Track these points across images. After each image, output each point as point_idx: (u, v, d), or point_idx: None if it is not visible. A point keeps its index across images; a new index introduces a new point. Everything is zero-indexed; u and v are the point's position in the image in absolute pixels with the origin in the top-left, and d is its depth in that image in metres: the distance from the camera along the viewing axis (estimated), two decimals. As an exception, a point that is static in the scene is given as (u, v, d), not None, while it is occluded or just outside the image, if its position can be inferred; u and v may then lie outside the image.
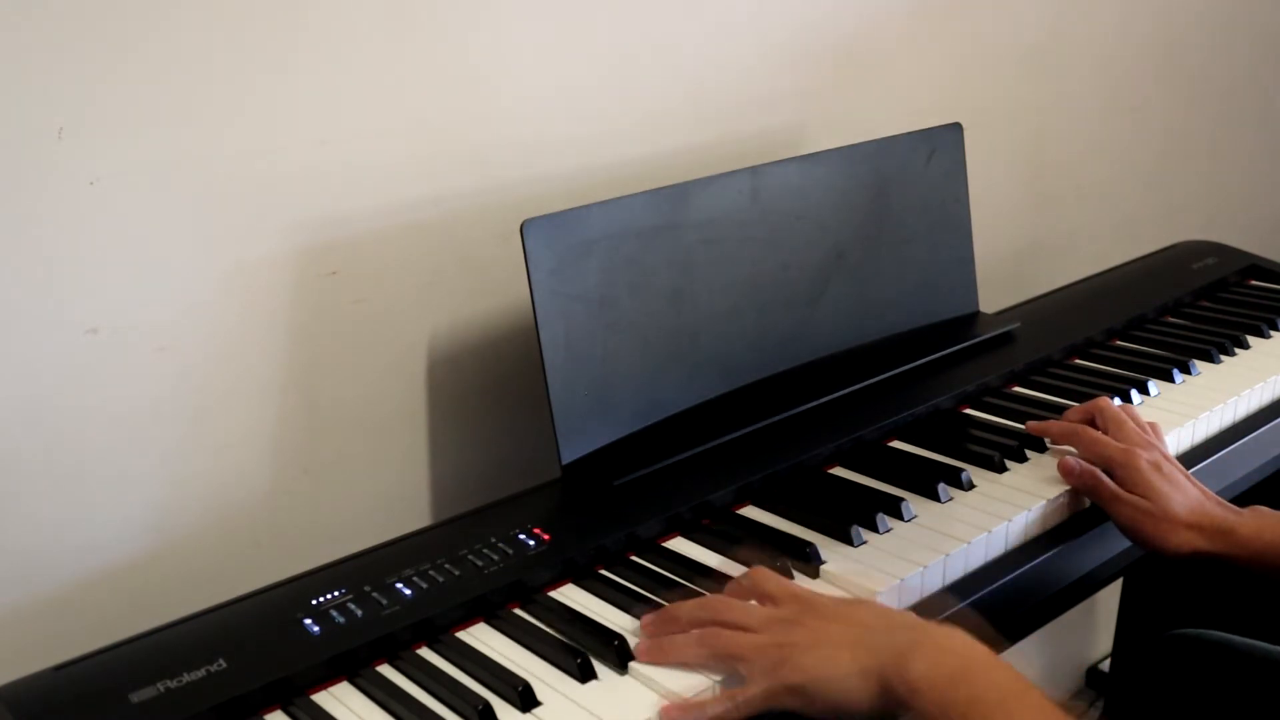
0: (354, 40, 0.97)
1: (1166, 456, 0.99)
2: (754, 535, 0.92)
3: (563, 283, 0.97)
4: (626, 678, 0.77)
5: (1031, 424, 1.06)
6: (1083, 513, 0.99)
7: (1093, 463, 0.98)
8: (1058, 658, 1.91)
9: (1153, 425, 1.03)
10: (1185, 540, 0.93)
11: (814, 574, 0.87)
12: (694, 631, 0.77)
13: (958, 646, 0.72)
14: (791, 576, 0.86)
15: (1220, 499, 0.97)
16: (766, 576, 0.82)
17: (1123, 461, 0.96)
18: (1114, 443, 0.99)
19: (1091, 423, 1.04)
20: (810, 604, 0.79)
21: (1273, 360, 1.25)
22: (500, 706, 0.74)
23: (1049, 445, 1.05)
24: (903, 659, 0.71)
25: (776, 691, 0.73)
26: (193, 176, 0.91)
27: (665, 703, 0.74)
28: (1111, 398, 1.08)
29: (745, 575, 0.83)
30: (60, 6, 0.82)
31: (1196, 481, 0.98)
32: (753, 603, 0.80)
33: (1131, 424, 1.01)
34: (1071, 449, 1.02)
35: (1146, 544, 0.95)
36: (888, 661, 0.72)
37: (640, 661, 0.78)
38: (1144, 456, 0.96)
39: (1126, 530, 0.95)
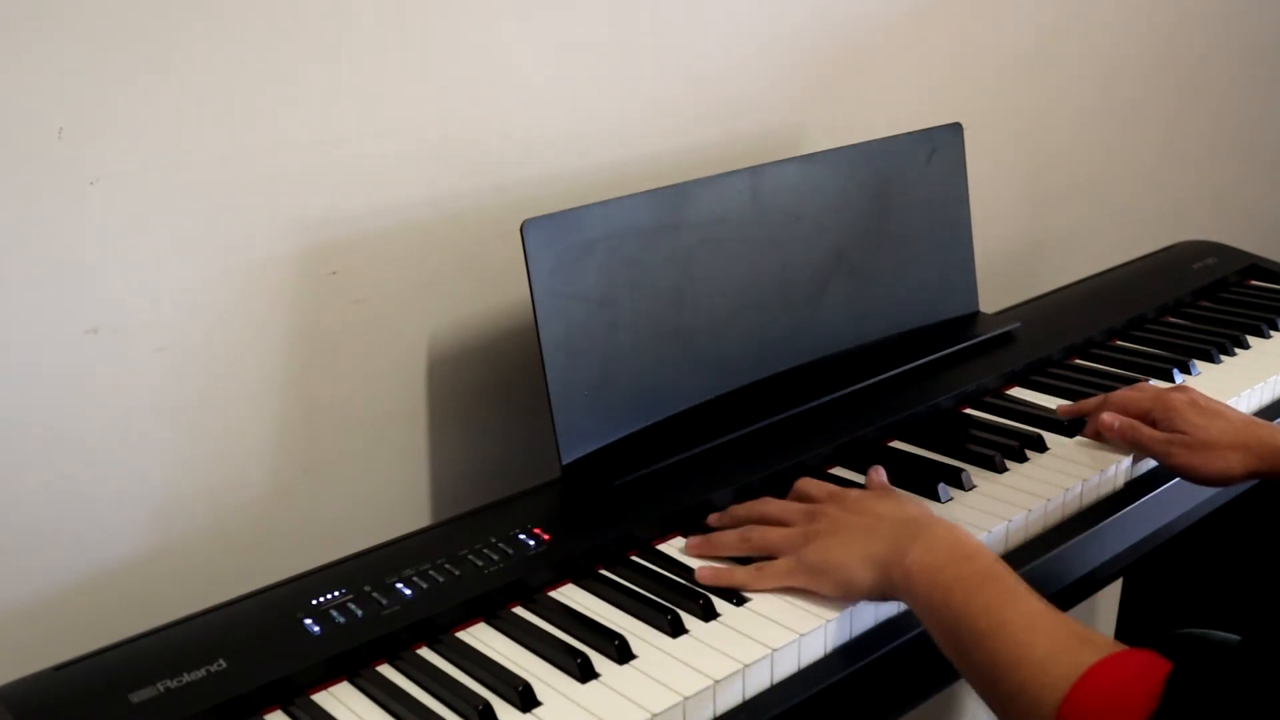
0: (354, 40, 0.97)
1: (1202, 397, 1.01)
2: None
3: (563, 283, 0.97)
4: (626, 676, 0.77)
5: (1062, 409, 1.09)
6: (1083, 513, 0.99)
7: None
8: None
9: (1181, 386, 1.07)
10: (1233, 462, 0.95)
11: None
12: (738, 530, 0.89)
13: (948, 537, 0.80)
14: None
15: (1275, 425, 1.00)
16: (808, 482, 0.94)
17: (1158, 407, 1.00)
18: (1144, 396, 1.03)
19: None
20: (839, 499, 0.89)
21: (1273, 360, 1.25)
22: (500, 706, 0.74)
23: (1048, 448, 1.05)
24: (903, 548, 0.80)
25: (795, 569, 0.84)
26: (192, 176, 0.91)
27: (705, 570, 0.86)
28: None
29: (794, 487, 0.94)
30: (60, 6, 0.82)
31: (1242, 413, 1.01)
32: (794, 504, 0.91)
33: (1154, 383, 1.06)
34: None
35: (1196, 476, 0.97)
36: (891, 550, 0.80)
37: (690, 554, 0.90)
38: (1177, 398, 1.00)
39: (1176, 469, 0.98)
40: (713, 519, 0.93)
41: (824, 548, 0.83)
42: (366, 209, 1.01)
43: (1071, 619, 0.74)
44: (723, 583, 0.85)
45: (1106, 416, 1.02)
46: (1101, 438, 1.05)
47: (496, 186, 1.08)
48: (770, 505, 0.91)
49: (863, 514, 0.86)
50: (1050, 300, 1.39)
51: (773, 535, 0.87)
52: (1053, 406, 1.12)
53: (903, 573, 0.79)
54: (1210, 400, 1.00)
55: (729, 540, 0.89)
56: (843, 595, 0.82)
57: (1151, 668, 0.67)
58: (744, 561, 0.87)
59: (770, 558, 0.86)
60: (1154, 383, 1.13)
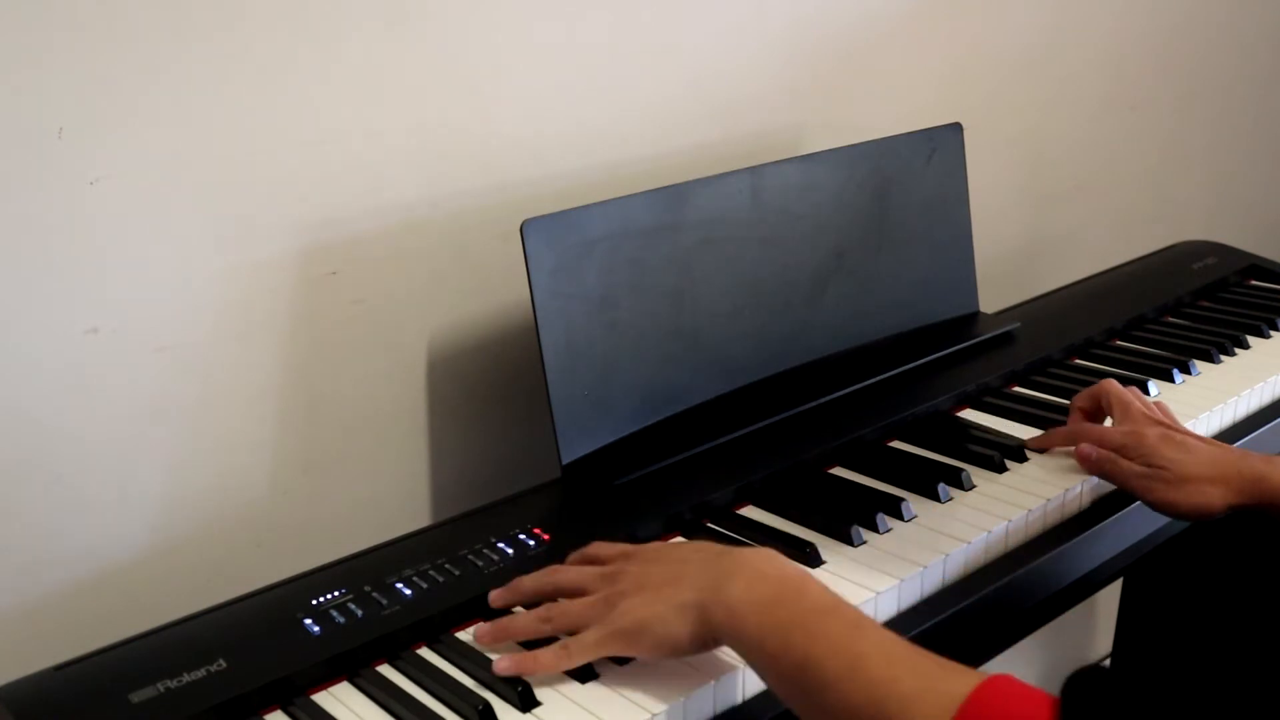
0: (354, 40, 0.97)
1: (1176, 428, 0.99)
2: (754, 535, 0.92)
3: (563, 283, 0.97)
4: (626, 676, 0.77)
5: (1032, 441, 1.06)
6: (1083, 513, 0.99)
7: None
8: (1058, 658, 1.91)
9: (1160, 404, 1.04)
10: (1213, 496, 0.93)
11: (814, 574, 0.87)
12: (536, 611, 0.80)
13: (771, 571, 0.73)
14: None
15: (1251, 452, 0.97)
16: (599, 545, 0.85)
17: (1130, 444, 0.97)
18: (1118, 429, 1.00)
19: (1098, 407, 1.05)
20: (634, 555, 0.81)
21: (1273, 360, 1.25)
22: (500, 706, 0.74)
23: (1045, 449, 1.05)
24: (720, 587, 0.73)
25: (605, 638, 0.75)
26: (193, 176, 0.91)
27: (502, 661, 0.76)
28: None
29: (582, 550, 0.85)
30: (60, 7, 0.82)
31: (1217, 443, 0.98)
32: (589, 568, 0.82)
33: (1137, 404, 1.02)
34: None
35: (1176, 511, 0.95)
36: (706, 592, 0.73)
37: (482, 644, 0.80)
38: (1150, 432, 0.97)
39: (1154, 505, 0.96)
40: (494, 597, 0.83)
41: (631, 607, 0.75)
42: (366, 209, 1.01)
43: (920, 647, 0.68)
44: (526, 671, 0.76)
45: (1085, 448, 0.99)
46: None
47: (496, 186, 1.08)
48: (563, 574, 0.82)
49: (664, 562, 0.78)
50: (1050, 300, 1.39)
51: (574, 609, 0.78)
52: (1053, 405, 1.12)
53: (725, 613, 0.72)
54: (1184, 435, 0.98)
55: (526, 624, 0.79)
56: (666, 653, 0.75)
57: (1032, 691, 0.64)
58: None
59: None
60: (1133, 390, 1.09)
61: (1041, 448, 1.05)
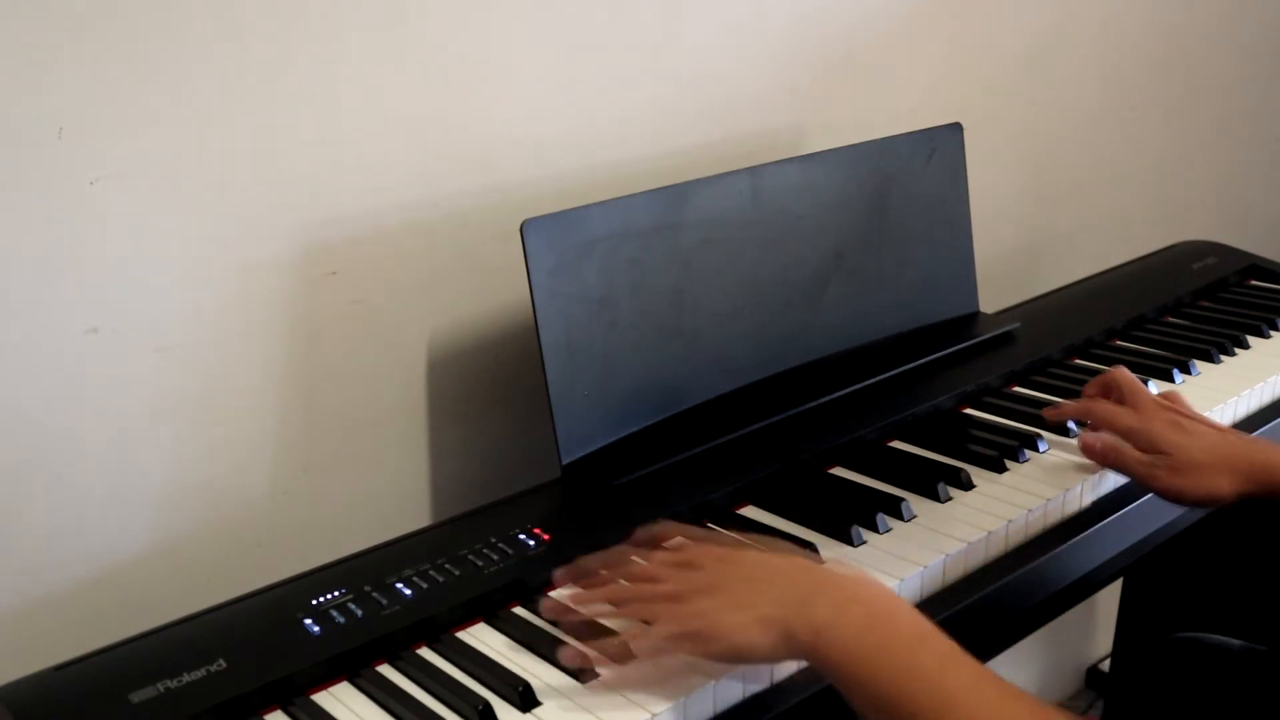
0: (354, 40, 0.97)
1: (1186, 414, 0.98)
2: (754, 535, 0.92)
3: (563, 283, 0.97)
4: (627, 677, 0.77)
5: (1047, 411, 1.07)
6: (1083, 513, 0.99)
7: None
8: (1058, 658, 1.91)
9: (1173, 394, 1.03)
10: (1222, 484, 0.92)
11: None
12: (604, 590, 0.79)
13: (862, 593, 0.71)
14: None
15: (1263, 440, 0.96)
16: (673, 526, 0.83)
17: (1138, 427, 0.96)
18: (1127, 412, 0.99)
19: (1108, 395, 1.04)
20: (710, 549, 0.79)
21: (1273, 360, 1.25)
22: (500, 706, 0.74)
23: (1045, 449, 1.05)
24: (807, 607, 0.70)
25: (674, 638, 0.73)
26: (193, 176, 0.91)
27: (565, 649, 0.76)
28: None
29: (652, 527, 0.83)
30: (59, 6, 0.82)
31: (1229, 429, 0.97)
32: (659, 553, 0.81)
33: (1147, 391, 1.02)
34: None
35: (1183, 499, 0.94)
36: (792, 609, 0.71)
37: (545, 617, 0.80)
38: (1158, 417, 0.97)
39: (1161, 492, 0.95)
40: (558, 575, 0.82)
41: (707, 610, 0.72)
42: (366, 209, 1.01)
43: (1011, 685, 0.67)
44: (592, 665, 0.75)
45: (1088, 437, 0.99)
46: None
47: (496, 186, 1.08)
48: (633, 569, 0.80)
49: (745, 564, 0.76)
50: (1050, 300, 1.39)
51: (644, 597, 0.76)
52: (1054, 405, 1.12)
53: (811, 634, 0.70)
54: (1194, 421, 0.97)
55: (595, 609, 0.78)
56: (735, 661, 0.73)
57: None
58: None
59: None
60: (1139, 382, 1.09)
61: (1054, 419, 1.06)
